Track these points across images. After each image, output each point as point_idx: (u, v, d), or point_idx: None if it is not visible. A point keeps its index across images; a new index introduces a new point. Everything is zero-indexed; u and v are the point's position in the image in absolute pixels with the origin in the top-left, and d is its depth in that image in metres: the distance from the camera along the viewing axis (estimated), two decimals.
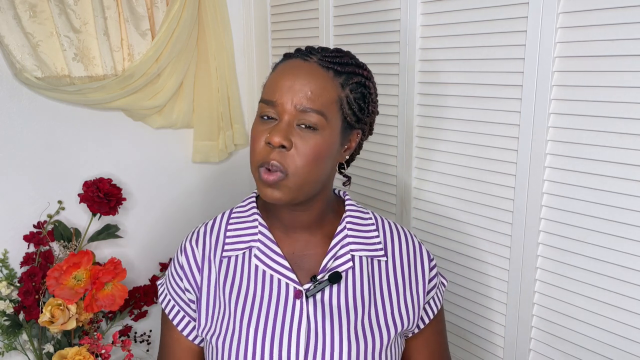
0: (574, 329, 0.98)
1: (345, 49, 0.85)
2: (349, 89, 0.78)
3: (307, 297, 0.79)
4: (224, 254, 0.83)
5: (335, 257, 0.82)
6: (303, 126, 0.75)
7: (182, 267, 0.86)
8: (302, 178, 0.75)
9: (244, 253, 0.83)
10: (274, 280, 0.81)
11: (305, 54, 0.80)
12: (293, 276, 0.80)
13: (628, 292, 0.89)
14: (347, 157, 0.85)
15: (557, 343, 1.01)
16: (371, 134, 0.87)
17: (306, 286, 0.80)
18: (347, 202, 0.88)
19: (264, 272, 0.82)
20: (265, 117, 0.77)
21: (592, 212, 0.92)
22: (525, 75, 0.96)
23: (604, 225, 0.91)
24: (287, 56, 0.82)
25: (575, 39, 0.90)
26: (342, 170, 0.90)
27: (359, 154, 0.89)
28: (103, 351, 1.16)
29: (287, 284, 0.80)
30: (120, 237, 1.40)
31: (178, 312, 0.86)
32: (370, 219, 0.88)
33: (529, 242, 1.01)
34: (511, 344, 1.08)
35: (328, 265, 0.81)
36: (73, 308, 1.17)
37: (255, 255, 0.82)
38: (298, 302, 0.79)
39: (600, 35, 0.87)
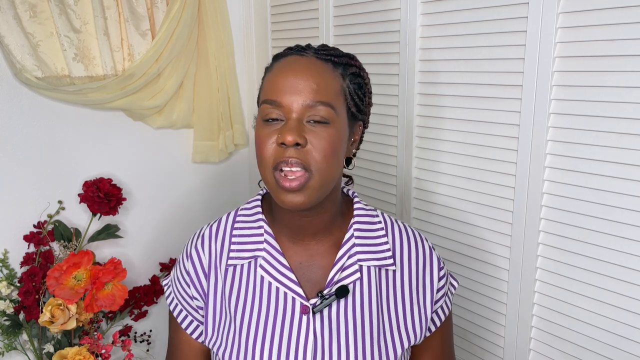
0: (574, 329, 0.98)
1: (345, 49, 0.84)
2: (348, 80, 0.76)
3: (314, 313, 0.77)
4: (229, 262, 0.81)
5: (343, 269, 0.79)
6: (313, 122, 0.72)
7: (188, 274, 0.84)
8: (324, 174, 0.72)
9: (249, 262, 0.81)
10: (280, 293, 0.78)
11: (300, 50, 0.77)
12: (300, 290, 0.77)
13: (628, 292, 0.89)
14: (354, 150, 0.82)
15: (557, 343, 1.01)
16: (367, 127, 0.85)
17: (312, 301, 0.77)
18: (355, 205, 0.84)
19: (269, 283, 0.79)
20: (270, 120, 0.73)
21: (592, 212, 0.92)
22: (525, 75, 0.96)
23: (604, 225, 0.91)
24: (280, 55, 0.79)
25: (575, 39, 0.90)
26: (348, 167, 0.86)
27: (359, 149, 0.86)
28: (103, 351, 1.16)
29: (293, 298, 0.78)
30: (120, 237, 1.40)
31: (186, 316, 0.85)
32: (380, 222, 0.84)
33: (529, 242, 1.01)
34: (511, 344, 1.08)
35: (335, 278, 0.78)
36: (73, 308, 1.17)
37: (261, 266, 0.79)
38: (305, 317, 0.77)
39: (600, 35, 0.87)
